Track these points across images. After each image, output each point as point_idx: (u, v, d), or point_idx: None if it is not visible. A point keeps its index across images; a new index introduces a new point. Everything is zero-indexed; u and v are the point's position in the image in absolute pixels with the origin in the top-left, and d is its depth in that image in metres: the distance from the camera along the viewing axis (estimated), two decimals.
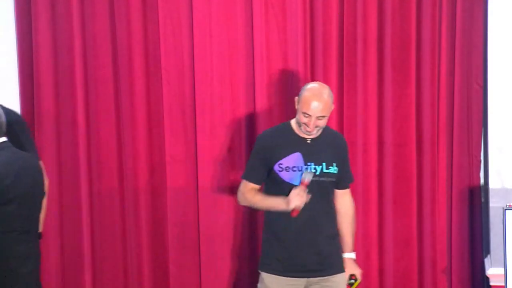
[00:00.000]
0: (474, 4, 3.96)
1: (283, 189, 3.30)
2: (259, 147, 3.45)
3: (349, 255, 3.48)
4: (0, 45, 4.16)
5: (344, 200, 3.53)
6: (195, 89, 4.06)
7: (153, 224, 4.17)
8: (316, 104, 3.26)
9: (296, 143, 3.37)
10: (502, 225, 3.53)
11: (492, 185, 3.91)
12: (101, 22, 4.10)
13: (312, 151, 3.35)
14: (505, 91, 3.87)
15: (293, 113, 3.98)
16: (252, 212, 4.07)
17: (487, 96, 3.94)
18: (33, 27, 4.09)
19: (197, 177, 4.09)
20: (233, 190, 4.06)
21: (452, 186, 4.06)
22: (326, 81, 3.99)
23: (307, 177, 3.26)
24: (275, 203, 3.33)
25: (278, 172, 3.35)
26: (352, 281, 3.45)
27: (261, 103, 4.01)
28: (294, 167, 3.34)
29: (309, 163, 3.34)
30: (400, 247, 4.00)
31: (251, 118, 4.06)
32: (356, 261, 3.52)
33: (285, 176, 3.34)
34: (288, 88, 4.03)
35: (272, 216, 3.39)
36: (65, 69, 4.12)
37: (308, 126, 3.29)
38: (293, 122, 3.43)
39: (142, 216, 4.14)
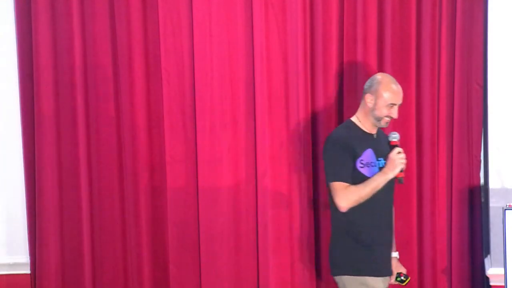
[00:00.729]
0: (474, 4, 3.96)
1: None
2: (342, 146, 3.36)
3: (395, 254, 3.55)
4: (0, 45, 4.16)
5: None
6: (195, 89, 4.06)
7: (153, 224, 4.16)
8: (398, 92, 3.38)
9: (366, 139, 3.43)
10: (502, 225, 3.53)
11: (492, 185, 3.90)
12: (101, 22, 4.10)
13: (378, 146, 3.41)
14: (505, 91, 3.87)
15: (292, 112, 4.01)
16: (252, 212, 4.07)
17: (487, 96, 3.94)
18: (33, 27, 4.09)
19: (197, 177, 4.09)
20: (234, 189, 4.07)
21: (452, 186, 4.06)
22: (326, 81, 4.00)
23: (395, 138, 3.33)
24: (378, 178, 3.30)
25: (359, 168, 3.36)
26: (403, 277, 3.47)
27: (261, 103, 4.00)
28: (372, 162, 3.38)
29: (379, 158, 3.39)
30: (400, 247, 3.98)
31: (251, 118, 4.05)
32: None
33: (366, 172, 3.36)
34: (288, 88, 4.03)
35: (352, 217, 3.36)
36: (65, 69, 4.12)
37: (391, 117, 3.37)
38: (354, 119, 3.49)
39: (142, 216, 4.14)
